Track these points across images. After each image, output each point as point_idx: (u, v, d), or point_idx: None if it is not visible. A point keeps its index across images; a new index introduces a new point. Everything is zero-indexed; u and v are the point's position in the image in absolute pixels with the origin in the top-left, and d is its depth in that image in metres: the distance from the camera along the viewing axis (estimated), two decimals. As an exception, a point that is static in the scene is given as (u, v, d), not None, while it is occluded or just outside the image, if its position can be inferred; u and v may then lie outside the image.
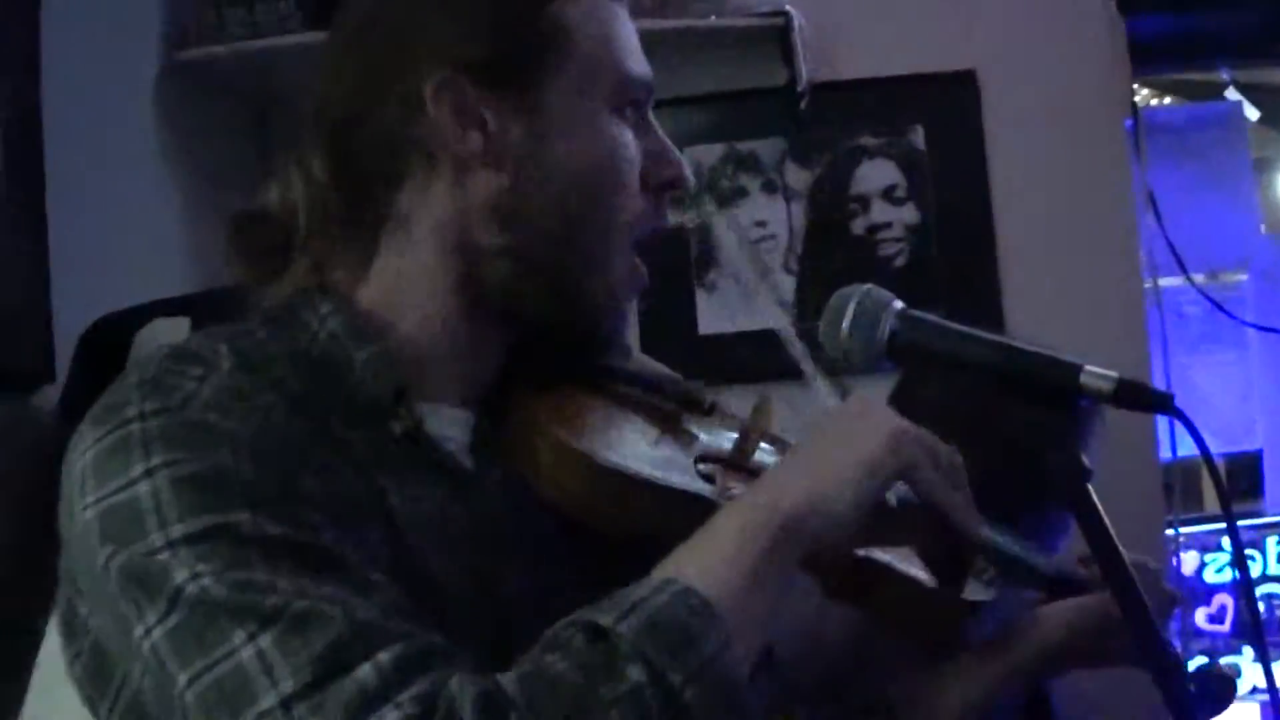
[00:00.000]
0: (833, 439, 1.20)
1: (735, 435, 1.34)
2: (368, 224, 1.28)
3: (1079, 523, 1.19)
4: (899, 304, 1.28)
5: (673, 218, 1.31)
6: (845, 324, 1.27)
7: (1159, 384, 2.98)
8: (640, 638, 1.07)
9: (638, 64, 1.29)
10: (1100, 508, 1.19)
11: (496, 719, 1.04)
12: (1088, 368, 1.20)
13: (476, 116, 1.25)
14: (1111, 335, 2.92)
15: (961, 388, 1.34)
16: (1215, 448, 1.42)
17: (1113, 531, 1.18)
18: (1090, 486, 1.19)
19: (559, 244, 1.26)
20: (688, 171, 1.31)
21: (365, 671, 1.05)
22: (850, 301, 1.28)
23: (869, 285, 1.29)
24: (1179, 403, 1.19)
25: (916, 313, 1.27)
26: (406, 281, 1.28)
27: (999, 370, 1.22)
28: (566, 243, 1.26)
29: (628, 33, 1.29)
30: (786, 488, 1.17)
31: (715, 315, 3.03)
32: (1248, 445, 3.58)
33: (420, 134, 1.24)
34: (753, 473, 1.29)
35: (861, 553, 1.26)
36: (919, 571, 1.26)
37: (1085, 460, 1.20)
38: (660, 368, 1.43)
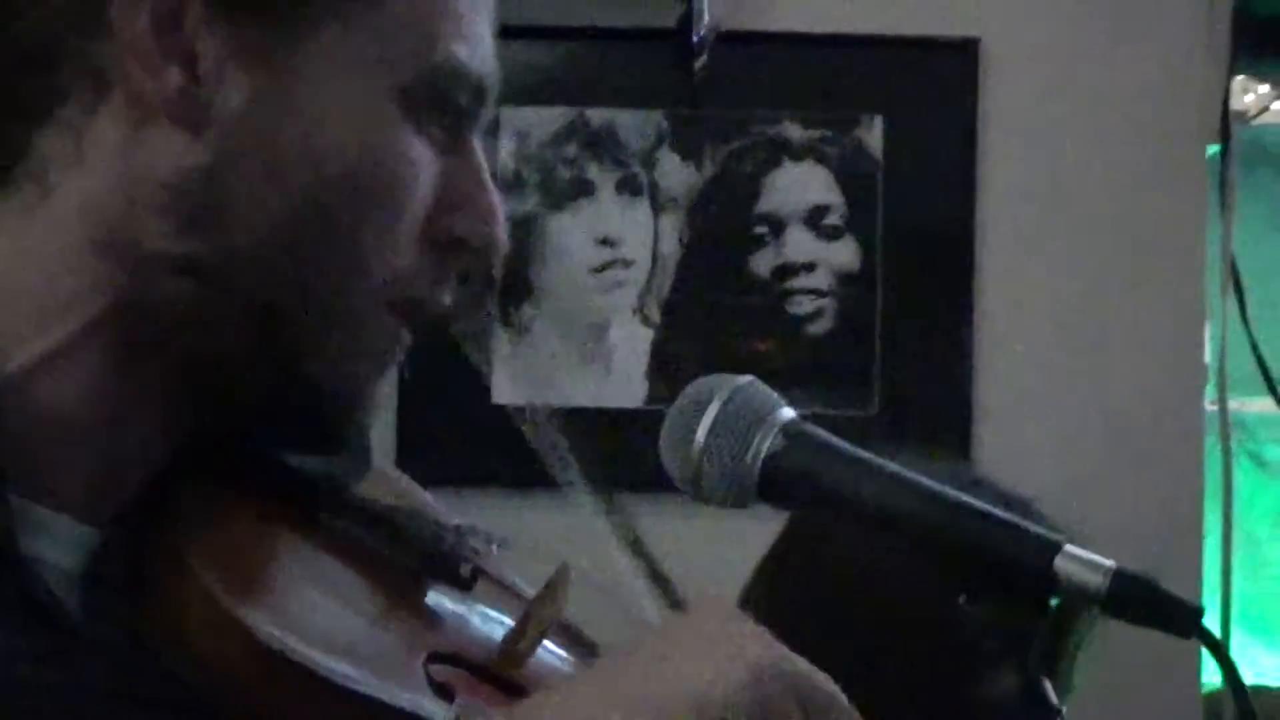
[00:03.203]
0: (653, 661, 1.07)
1: (507, 623, 1.23)
2: None
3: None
4: (788, 413, 1.15)
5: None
6: (700, 436, 1.14)
7: (1212, 571, 2.76)
8: None
9: (471, 51, 1.16)
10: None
11: None
12: (1069, 548, 1.08)
13: (185, 46, 1.11)
14: (1145, 483, 2.73)
15: (871, 559, 1.44)
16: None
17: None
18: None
19: (273, 271, 1.12)
20: (500, 233, 1.17)
21: None
22: (712, 402, 1.15)
23: (746, 379, 1.16)
24: (1244, 609, 1.26)
25: (815, 431, 1.16)
26: (26, 280, 1.13)
27: (927, 537, 1.12)
28: (286, 271, 1.12)
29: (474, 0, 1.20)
30: None
31: (523, 377, 2.83)
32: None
33: (94, 49, 1.11)
34: (520, 690, 1.16)
35: None
36: None
37: (1050, 691, 1.10)
38: (418, 496, 1.29)
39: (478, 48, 1.18)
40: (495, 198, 1.20)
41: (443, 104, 1.17)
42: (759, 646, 1.08)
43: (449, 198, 1.18)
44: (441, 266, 1.18)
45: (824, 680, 1.10)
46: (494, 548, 1.28)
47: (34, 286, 1.13)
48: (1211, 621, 2.86)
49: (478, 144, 1.20)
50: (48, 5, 1.12)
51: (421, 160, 1.17)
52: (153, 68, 1.11)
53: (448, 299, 1.20)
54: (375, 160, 1.15)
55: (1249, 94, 3.08)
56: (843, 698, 1.11)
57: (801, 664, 1.10)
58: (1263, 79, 3.06)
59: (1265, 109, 3.11)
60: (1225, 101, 2.78)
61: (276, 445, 1.19)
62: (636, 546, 1.30)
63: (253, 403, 1.16)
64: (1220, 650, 1.11)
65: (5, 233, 1.13)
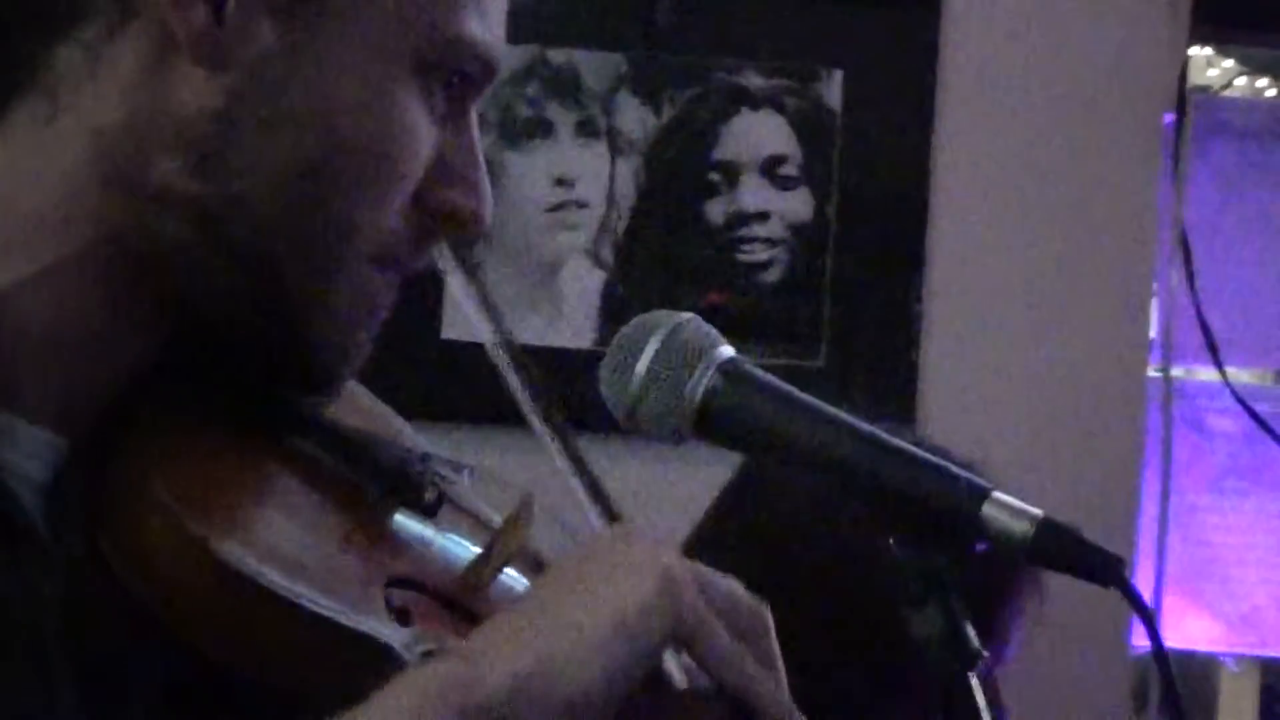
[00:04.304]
0: (574, 582, 1.11)
1: (471, 550, 1.23)
2: None
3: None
4: (727, 351, 1.17)
5: None
6: (639, 369, 1.16)
7: (1149, 532, 2.79)
8: None
9: (483, 26, 1.16)
10: (985, 714, 1.10)
11: None
12: (996, 494, 1.10)
13: None
14: (1085, 447, 2.73)
15: (801, 499, 1.53)
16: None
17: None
18: (974, 678, 1.10)
19: (271, 221, 1.13)
20: (485, 209, 1.18)
21: None
22: (652, 336, 1.17)
23: (688, 316, 1.18)
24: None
25: (753, 370, 1.17)
26: (22, 197, 1.13)
27: (859, 479, 1.14)
28: (283, 223, 1.13)
29: None
30: (493, 653, 1.06)
31: (472, 313, 2.42)
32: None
33: None
34: (480, 619, 1.17)
35: None
36: None
37: (971, 636, 1.11)
38: (387, 419, 1.30)
39: (493, 25, 1.18)
40: (485, 175, 1.20)
41: (453, 76, 1.17)
42: (663, 559, 1.11)
43: (444, 170, 1.18)
44: (428, 232, 1.19)
45: (724, 579, 1.14)
46: (463, 475, 1.29)
47: (30, 205, 1.13)
48: (1146, 587, 2.88)
49: (474, 118, 1.20)
50: None
51: (423, 131, 1.17)
52: (181, 3, 1.10)
53: (432, 257, 1.20)
54: (383, 126, 1.15)
55: (1213, 69, 3.06)
56: (742, 590, 1.15)
57: (714, 574, 1.13)
58: (1223, 51, 3.04)
59: (1229, 84, 3.09)
60: (1183, 70, 2.76)
61: (260, 382, 1.18)
62: (589, 481, 1.29)
63: (239, 345, 1.16)
64: (1136, 599, 1.12)
65: (10, 145, 1.12)
